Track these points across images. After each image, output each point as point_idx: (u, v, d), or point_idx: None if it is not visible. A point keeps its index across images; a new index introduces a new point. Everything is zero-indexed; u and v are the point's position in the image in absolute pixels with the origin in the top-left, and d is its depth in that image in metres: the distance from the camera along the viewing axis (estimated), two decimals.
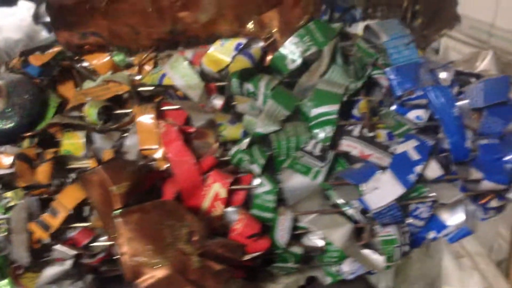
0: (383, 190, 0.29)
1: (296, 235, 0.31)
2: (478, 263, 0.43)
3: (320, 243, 0.31)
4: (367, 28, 0.35)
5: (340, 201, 0.30)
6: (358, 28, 0.39)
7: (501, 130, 0.31)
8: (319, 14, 0.34)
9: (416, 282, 0.38)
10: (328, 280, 0.34)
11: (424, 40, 0.75)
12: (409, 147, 0.29)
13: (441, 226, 0.33)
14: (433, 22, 0.72)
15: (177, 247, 0.27)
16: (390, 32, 0.32)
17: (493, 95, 0.30)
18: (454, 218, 0.33)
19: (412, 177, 0.29)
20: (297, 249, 0.31)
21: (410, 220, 0.31)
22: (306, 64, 0.32)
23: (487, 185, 0.30)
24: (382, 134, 0.31)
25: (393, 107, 0.31)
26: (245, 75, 0.31)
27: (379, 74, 0.32)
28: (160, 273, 0.27)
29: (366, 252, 0.31)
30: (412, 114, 0.31)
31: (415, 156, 0.29)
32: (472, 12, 0.95)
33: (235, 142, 0.30)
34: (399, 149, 0.29)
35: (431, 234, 0.33)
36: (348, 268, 0.32)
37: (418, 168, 0.29)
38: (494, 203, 0.32)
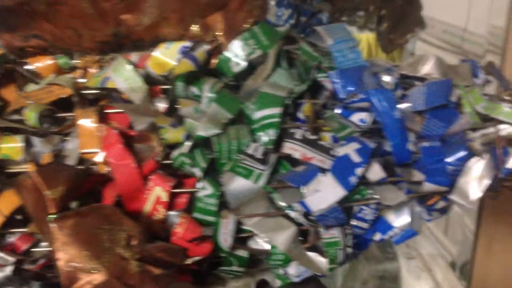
0: (324, 193, 0.29)
1: (241, 238, 0.31)
2: (429, 264, 0.43)
3: (266, 246, 0.31)
4: (313, 31, 0.35)
5: (283, 204, 0.30)
6: None
7: (443, 132, 0.31)
8: (264, 18, 0.34)
9: (367, 283, 0.38)
10: (278, 283, 0.34)
11: (390, 44, 0.76)
12: (350, 150, 0.29)
13: (387, 228, 0.33)
14: (398, 26, 0.73)
15: (115, 251, 0.27)
16: (335, 36, 0.32)
17: (434, 98, 0.30)
18: (400, 220, 0.33)
19: (353, 180, 0.29)
20: (242, 253, 0.31)
21: (354, 222, 0.32)
22: (252, 67, 0.32)
23: (429, 187, 0.31)
24: (327, 137, 0.31)
25: (337, 110, 0.31)
26: (190, 78, 0.31)
27: (324, 77, 0.32)
28: (97, 278, 0.26)
29: (311, 254, 0.31)
30: (356, 117, 0.31)
31: (356, 158, 0.29)
32: (445, 16, 0.96)
33: (178, 145, 0.30)
34: (341, 151, 0.29)
35: (377, 236, 0.33)
36: (294, 271, 0.32)
37: (359, 171, 0.29)
38: (439, 205, 0.33)
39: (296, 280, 0.32)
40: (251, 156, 0.29)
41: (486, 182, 0.31)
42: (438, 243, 0.70)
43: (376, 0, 0.74)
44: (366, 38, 1.01)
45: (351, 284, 0.36)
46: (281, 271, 0.33)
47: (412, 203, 0.34)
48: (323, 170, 0.29)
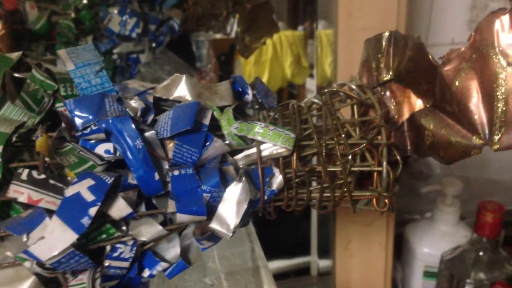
0: (51, 239, 0.26)
1: None
2: None
3: None
4: (58, 55, 0.32)
5: (9, 254, 0.27)
6: None
7: (196, 159, 0.29)
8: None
9: None
10: None
11: (246, 48, 0.75)
12: (82, 188, 0.27)
13: (154, 262, 0.31)
14: (252, 30, 0.72)
15: None
16: (77, 59, 0.30)
17: (179, 123, 0.28)
18: (169, 252, 0.31)
19: (85, 221, 0.26)
20: None
21: (108, 263, 0.29)
22: None
23: (182, 217, 0.29)
24: (72, 173, 0.28)
25: (79, 142, 0.29)
26: None
27: (62, 107, 0.29)
28: None
29: None
30: (102, 148, 0.29)
31: (89, 197, 0.26)
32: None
33: None
34: (70, 190, 0.27)
35: (146, 272, 0.31)
36: None
37: (92, 210, 0.26)
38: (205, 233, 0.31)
39: None
40: None
41: (244, 207, 0.29)
42: None
43: (229, 5, 0.72)
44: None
45: None
46: None
47: (187, 232, 0.32)
48: (51, 213, 0.26)
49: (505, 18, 0.27)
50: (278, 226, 0.71)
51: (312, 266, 0.82)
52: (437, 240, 0.77)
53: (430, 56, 0.31)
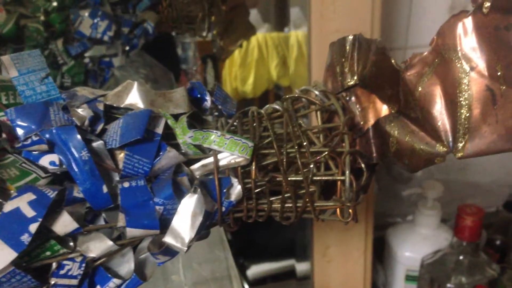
0: None
1: None
2: None
3: None
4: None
5: None
6: None
7: (147, 169, 0.28)
8: None
9: None
10: None
11: (223, 51, 0.74)
12: (22, 202, 0.25)
13: (106, 279, 0.29)
14: (228, 32, 0.71)
15: None
16: (22, 66, 0.28)
17: (128, 132, 0.27)
18: (122, 268, 0.30)
19: (26, 238, 0.25)
20: None
21: (56, 281, 0.27)
22: None
23: (132, 232, 0.27)
24: (12, 187, 0.27)
25: (22, 154, 0.27)
26: None
27: (3, 116, 0.27)
28: None
29: None
30: (46, 160, 0.27)
31: (29, 212, 0.25)
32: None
33: None
34: (8, 206, 0.25)
35: None
36: None
37: (33, 227, 0.25)
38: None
39: None
40: None
41: (199, 219, 0.28)
42: None
43: (204, 7, 0.71)
44: (255, 37, 0.98)
45: None
46: None
47: (143, 246, 0.31)
48: None
49: (468, 21, 0.26)
50: (262, 228, 0.70)
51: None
52: (419, 243, 0.76)
53: (392, 61, 0.30)
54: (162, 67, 0.83)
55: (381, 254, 0.81)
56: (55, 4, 0.64)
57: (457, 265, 0.69)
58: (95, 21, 0.63)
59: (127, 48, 0.68)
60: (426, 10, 0.77)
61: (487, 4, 0.26)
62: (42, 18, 0.63)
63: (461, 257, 0.69)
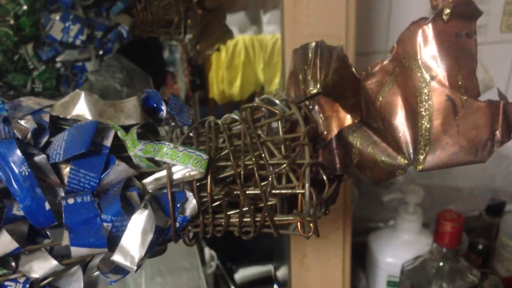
0: None
1: None
2: None
3: None
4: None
5: None
6: None
7: (95, 184, 0.26)
8: None
9: None
10: None
11: (199, 55, 0.73)
12: None
13: None
14: (204, 36, 0.69)
15: None
16: None
17: (73, 146, 0.26)
18: (71, 287, 0.28)
19: None
20: None
21: None
22: None
23: (77, 251, 0.26)
24: None
25: None
26: None
27: None
28: None
29: None
30: None
31: None
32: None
33: None
34: None
35: None
36: None
37: None
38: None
39: None
40: None
41: (150, 236, 0.26)
42: None
43: (180, 11, 0.70)
44: (242, 39, 0.97)
45: None
46: None
47: (94, 264, 0.29)
48: None
49: (428, 28, 0.25)
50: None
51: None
52: (400, 249, 0.75)
53: (353, 69, 0.28)
54: (140, 71, 0.82)
55: (363, 259, 0.80)
56: (25, 7, 0.62)
57: (437, 271, 0.69)
58: (67, 24, 0.61)
59: (101, 52, 0.66)
60: (406, 13, 0.76)
61: (447, 10, 0.25)
62: (11, 22, 0.62)
63: (441, 264, 0.68)
